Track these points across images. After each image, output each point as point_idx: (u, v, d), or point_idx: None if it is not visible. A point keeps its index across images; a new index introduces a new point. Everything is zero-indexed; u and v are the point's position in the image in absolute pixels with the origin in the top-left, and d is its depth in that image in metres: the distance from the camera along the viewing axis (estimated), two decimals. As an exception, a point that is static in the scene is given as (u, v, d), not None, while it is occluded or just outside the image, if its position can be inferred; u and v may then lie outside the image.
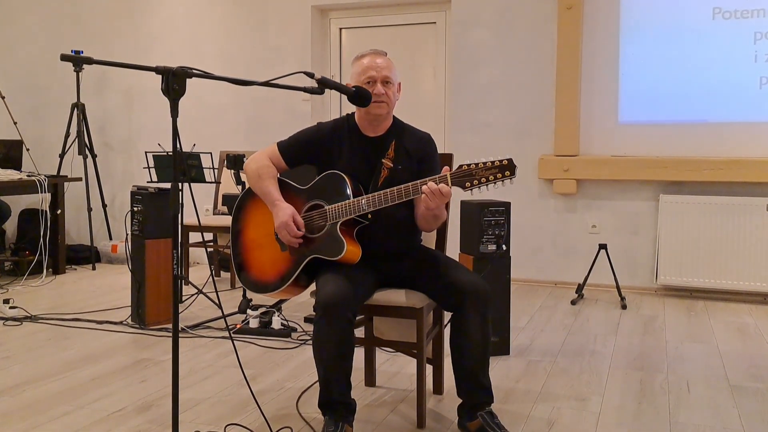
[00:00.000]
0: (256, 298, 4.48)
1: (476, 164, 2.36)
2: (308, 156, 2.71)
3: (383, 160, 2.62)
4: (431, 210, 2.45)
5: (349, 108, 2.71)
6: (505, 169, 2.34)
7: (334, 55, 6.11)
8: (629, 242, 5.19)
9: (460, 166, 2.38)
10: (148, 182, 4.65)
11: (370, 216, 2.55)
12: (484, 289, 2.52)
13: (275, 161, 2.70)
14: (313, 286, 2.64)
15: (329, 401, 2.46)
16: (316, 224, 2.58)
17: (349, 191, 2.53)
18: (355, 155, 2.65)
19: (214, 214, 5.65)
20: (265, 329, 3.88)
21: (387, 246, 2.63)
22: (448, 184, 2.37)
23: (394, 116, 2.73)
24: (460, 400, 2.60)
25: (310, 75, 2.43)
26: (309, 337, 3.76)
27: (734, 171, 4.83)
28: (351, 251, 2.51)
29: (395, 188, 2.45)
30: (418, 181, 2.42)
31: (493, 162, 2.35)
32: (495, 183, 2.35)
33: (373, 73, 2.59)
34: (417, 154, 2.67)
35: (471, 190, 2.37)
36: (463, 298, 2.49)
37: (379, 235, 2.59)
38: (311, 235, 2.58)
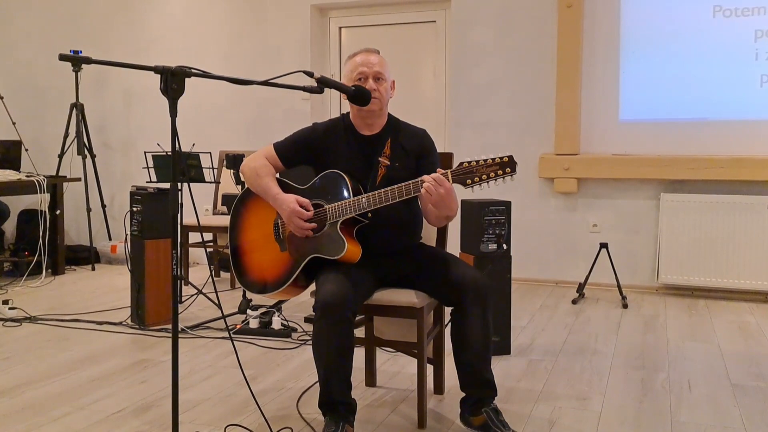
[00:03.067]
0: (256, 298, 4.47)
1: (476, 161, 2.35)
2: (305, 156, 2.70)
3: (380, 159, 2.61)
4: (434, 205, 2.44)
5: (349, 108, 2.70)
6: (506, 165, 2.33)
7: (333, 54, 6.10)
8: (630, 241, 5.18)
9: (461, 164, 2.37)
10: (147, 182, 4.64)
11: (369, 215, 2.54)
12: (484, 283, 2.51)
13: (272, 161, 2.68)
14: (312, 287, 2.63)
15: (329, 401, 2.45)
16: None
17: (348, 190, 2.52)
18: (352, 154, 2.64)
19: (213, 214, 5.64)
20: (265, 329, 3.87)
21: (387, 244, 2.62)
22: (449, 181, 2.37)
23: (389, 114, 2.71)
24: (462, 395, 2.59)
25: (310, 74, 2.41)
26: (309, 337, 3.75)
27: (735, 169, 4.82)
28: (351, 251, 2.50)
29: (396, 186, 2.44)
30: (419, 179, 2.41)
31: (494, 159, 2.34)
32: (496, 180, 2.34)
33: (365, 69, 2.59)
34: (414, 150, 2.66)
35: (472, 187, 2.36)
36: (463, 293, 2.49)
37: (379, 234, 2.58)
38: (311, 235, 2.57)
